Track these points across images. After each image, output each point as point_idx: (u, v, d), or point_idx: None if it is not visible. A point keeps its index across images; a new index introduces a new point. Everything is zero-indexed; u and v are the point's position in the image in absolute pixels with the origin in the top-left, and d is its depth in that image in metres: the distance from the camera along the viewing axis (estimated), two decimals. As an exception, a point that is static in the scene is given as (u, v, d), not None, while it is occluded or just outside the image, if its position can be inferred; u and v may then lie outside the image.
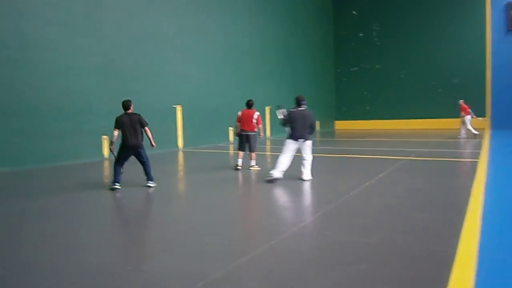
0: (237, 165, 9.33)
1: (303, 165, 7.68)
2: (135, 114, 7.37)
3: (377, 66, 28.61)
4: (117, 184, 7.22)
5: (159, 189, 7.35)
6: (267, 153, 13.97)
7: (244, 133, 9.36)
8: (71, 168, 10.75)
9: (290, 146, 7.65)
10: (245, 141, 9.37)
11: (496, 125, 23.18)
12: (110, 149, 7.51)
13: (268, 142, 18.50)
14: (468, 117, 16.86)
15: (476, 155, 11.01)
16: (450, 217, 4.87)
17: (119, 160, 7.32)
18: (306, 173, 7.67)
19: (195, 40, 16.75)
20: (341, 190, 6.63)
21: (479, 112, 23.72)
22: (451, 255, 3.51)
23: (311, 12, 27.54)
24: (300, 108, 7.74)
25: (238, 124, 9.46)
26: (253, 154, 9.46)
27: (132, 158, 7.40)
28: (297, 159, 7.85)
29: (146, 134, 7.40)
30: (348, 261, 3.51)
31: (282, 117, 7.96)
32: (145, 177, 7.48)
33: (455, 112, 17.90)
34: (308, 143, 7.71)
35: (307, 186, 7.21)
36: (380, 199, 5.95)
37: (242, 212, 5.95)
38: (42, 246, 4.24)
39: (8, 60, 10.43)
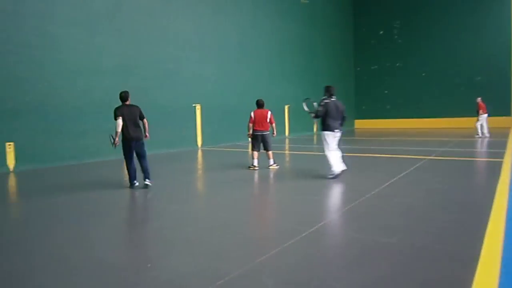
0: (254, 166, 9.33)
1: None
2: (135, 106, 7.25)
3: (397, 64, 28.21)
4: (135, 182, 7.29)
5: (178, 187, 7.39)
6: (285, 152, 13.94)
7: (260, 133, 9.33)
8: (92, 166, 10.94)
9: (331, 139, 7.55)
10: (260, 141, 9.37)
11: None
12: (112, 142, 7.17)
13: (286, 141, 18.45)
14: (484, 116, 16.75)
15: (501, 154, 10.73)
16: (473, 218, 4.75)
17: (126, 157, 7.23)
18: (342, 165, 7.68)
19: (213, 39, 16.84)
20: (361, 189, 6.54)
21: (503, 111, 23.14)
22: (474, 257, 3.43)
23: (330, 10, 27.31)
24: (333, 99, 7.63)
25: (251, 125, 9.38)
26: (270, 153, 9.44)
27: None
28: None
29: (144, 126, 7.32)
30: (368, 261, 3.47)
31: (307, 109, 7.87)
32: (142, 175, 7.33)
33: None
34: (340, 134, 7.67)
35: (326, 185, 7.15)
36: (401, 199, 5.85)
37: (261, 211, 5.94)
38: (62, 242, 4.32)
39: (32, 60, 10.69)
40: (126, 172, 7.49)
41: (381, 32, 28.85)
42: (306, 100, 8.25)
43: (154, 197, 6.70)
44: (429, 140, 16.23)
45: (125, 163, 7.31)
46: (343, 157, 7.94)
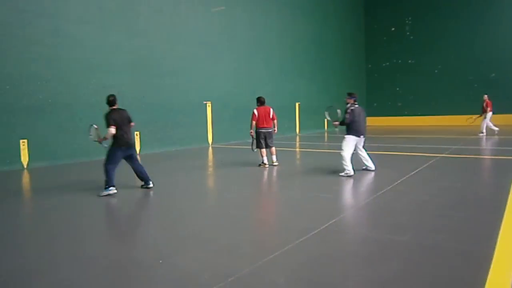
0: (264, 163, 9.34)
1: (364, 158, 8.06)
2: (123, 109, 6.96)
3: (409, 61, 27.90)
4: (112, 188, 6.67)
5: (190, 184, 7.43)
6: (296, 149, 13.91)
7: (265, 130, 9.33)
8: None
9: (352, 143, 7.80)
10: (265, 138, 9.37)
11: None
12: (99, 141, 7.04)
13: (297, 139, 18.41)
14: (490, 114, 16.77)
15: (515, 152, 10.57)
16: (486, 216, 4.70)
17: (114, 162, 6.79)
18: (370, 164, 8.07)
19: (224, 37, 16.84)
20: (373, 187, 6.52)
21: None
22: (487, 256, 3.39)
23: (341, 6, 27.13)
24: (356, 105, 7.91)
25: (255, 122, 9.36)
26: (274, 150, 9.50)
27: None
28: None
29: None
30: (379, 259, 3.45)
31: (329, 119, 8.11)
32: (137, 179, 7.17)
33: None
34: (364, 139, 8.04)
35: (338, 183, 7.12)
36: (413, 197, 5.81)
37: (272, 208, 5.95)
38: (75, 238, 4.38)
39: (45, 58, 10.82)
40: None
41: (393, 29, 28.56)
42: (330, 108, 8.36)
43: (166, 194, 6.74)
44: (442, 138, 16.05)
45: (108, 168, 6.71)
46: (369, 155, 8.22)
